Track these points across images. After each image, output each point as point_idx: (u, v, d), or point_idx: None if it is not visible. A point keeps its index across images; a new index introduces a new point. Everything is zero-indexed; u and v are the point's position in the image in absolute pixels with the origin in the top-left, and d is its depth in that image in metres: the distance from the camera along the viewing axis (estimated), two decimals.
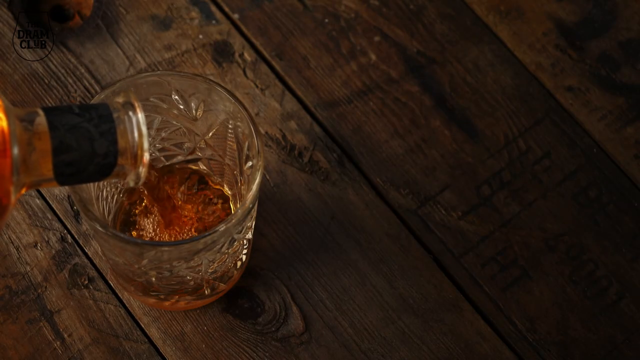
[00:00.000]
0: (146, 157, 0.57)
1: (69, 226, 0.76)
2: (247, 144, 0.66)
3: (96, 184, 0.67)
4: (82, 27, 0.81)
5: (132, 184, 0.59)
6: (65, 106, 0.57)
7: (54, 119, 0.55)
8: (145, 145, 0.57)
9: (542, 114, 0.81)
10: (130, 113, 0.57)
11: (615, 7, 0.84)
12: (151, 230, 0.71)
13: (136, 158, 0.57)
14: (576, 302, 0.75)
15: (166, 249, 0.63)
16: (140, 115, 0.57)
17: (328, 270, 0.76)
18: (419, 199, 0.78)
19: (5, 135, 0.53)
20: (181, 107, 0.67)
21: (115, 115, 0.57)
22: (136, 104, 0.57)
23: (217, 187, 0.72)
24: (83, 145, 0.56)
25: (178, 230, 0.70)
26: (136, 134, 0.57)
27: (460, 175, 0.78)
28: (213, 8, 0.83)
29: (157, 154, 0.71)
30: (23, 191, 0.56)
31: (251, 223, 0.68)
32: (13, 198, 0.55)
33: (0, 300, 0.74)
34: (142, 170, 0.57)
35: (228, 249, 0.67)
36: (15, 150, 0.53)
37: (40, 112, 0.55)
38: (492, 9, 0.84)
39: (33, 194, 0.77)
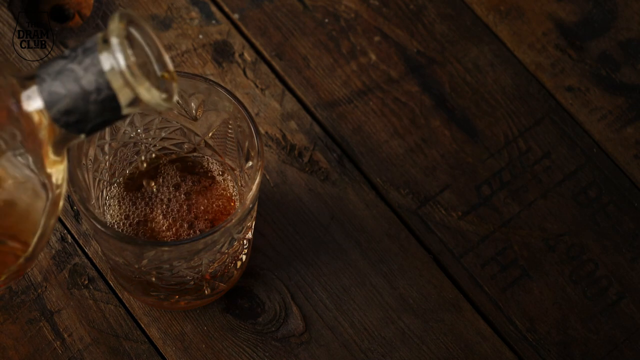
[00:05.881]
0: (137, 74, 0.48)
1: (69, 226, 0.76)
2: (247, 144, 0.66)
3: (96, 183, 0.67)
4: (82, 27, 0.81)
5: (163, 107, 0.50)
6: (59, 55, 0.51)
7: (40, 72, 0.50)
8: (130, 61, 0.48)
9: (542, 114, 0.81)
10: (114, 35, 0.48)
11: (615, 7, 0.84)
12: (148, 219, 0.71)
13: (135, 79, 0.49)
14: (576, 302, 0.75)
15: (166, 249, 0.63)
16: (118, 29, 0.48)
17: (328, 270, 0.76)
18: (419, 199, 0.78)
19: None
20: (181, 107, 0.67)
21: (98, 44, 0.49)
22: (116, 22, 0.48)
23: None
24: (71, 89, 0.49)
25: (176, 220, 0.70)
26: (120, 56, 0.48)
27: (460, 175, 0.78)
28: (213, 8, 0.83)
29: (158, 154, 0.71)
30: (51, 156, 0.51)
31: (251, 223, 0.68)
32: (49, 167, 0.50)
33: (0, 300, 0.74)
34: (152, 90, 0.49)
35: (228, 249, 0.67)
36: None
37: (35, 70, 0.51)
38: (492, 9, 0.84)
39: None
